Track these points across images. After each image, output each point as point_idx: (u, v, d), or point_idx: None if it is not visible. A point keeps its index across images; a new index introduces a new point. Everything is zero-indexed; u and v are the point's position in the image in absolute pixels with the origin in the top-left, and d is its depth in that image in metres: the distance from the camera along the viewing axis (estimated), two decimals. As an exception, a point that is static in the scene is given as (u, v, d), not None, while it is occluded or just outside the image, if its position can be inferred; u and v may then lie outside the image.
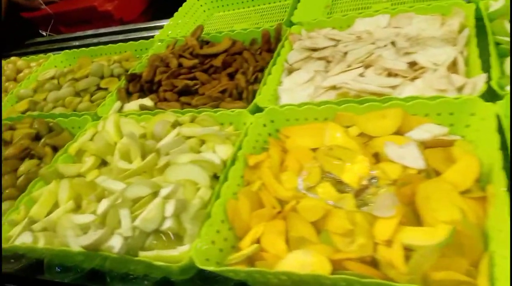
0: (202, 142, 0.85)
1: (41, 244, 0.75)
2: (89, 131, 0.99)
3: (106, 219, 0.71)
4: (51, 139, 1.03)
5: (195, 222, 0.66)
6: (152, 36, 1.39)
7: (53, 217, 0.79)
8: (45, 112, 1.17)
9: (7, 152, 0.98)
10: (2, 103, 1.30)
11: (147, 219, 0.67)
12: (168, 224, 0.66)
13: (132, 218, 0.69)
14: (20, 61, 1.52)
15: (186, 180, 0.73)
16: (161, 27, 1.45)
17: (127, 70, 1.28)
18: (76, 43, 1.85)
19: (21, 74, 1.46)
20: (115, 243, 0.66)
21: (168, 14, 1.81)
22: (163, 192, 0.71)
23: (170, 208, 0.66)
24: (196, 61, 1.10)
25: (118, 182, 0.76)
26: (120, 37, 1.74)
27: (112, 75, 1.27)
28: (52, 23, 2.77)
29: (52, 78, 1.40)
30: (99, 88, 1.24)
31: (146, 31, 1.74)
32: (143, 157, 0.83)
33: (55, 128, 1.08)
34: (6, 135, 1.06)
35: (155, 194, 0.72)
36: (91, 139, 0.97)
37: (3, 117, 1.25)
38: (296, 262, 0.59)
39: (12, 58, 1.56)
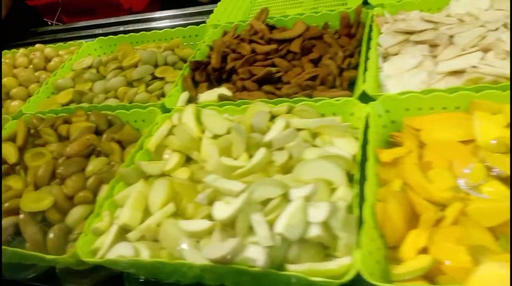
0: (314, 135, 0.74)
1: (144, 256, 0.63)
2: (165, 125, 0.87)
3: (229, 225, 0.60)
4: (117, 134, 0.90)
5: (349, 229, 0.55)
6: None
7: (151, 223, 0.67)
8: (98, 104, 1.04)
9: (69, 148, 0.85)
10: (36, 94, 1.16)
11: (292, 225, 0.56)
12: (315, 231, 0.56)
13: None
14: (48, 49, 1.37)
15: (319, 179, 0.62)
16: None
17: (182, 59, 1.15)
18: (99, 31, 1.70)
19: (51, 63, 1.31)
20: (256, 255, 0.55)
21: (177, 4, 1.70)
22: (296, 193, 0.60)
23: (318, 213, 0.56)
24: (273, 46, 0.99)
25: (235, 182, 0.64)
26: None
27: (166, 64, 1.14)
28: (59, 11, 2.60)
29: (90, 67, 1.27)
30: (154, 78, 1.11)
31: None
32: (248, 152, 0.73)
33: (115, 121, 0.95)
34: (61, 129, 0.92)
35: (284, 196, 0.61)
36: (169, 134, 0.85)
37: (37, 109, 1.11)
38: (493, 276, 0.49)
39: (38, 45, 1.41)
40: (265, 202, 0.61)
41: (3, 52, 1.48)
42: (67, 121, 0.94)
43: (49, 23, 2.41)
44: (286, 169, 0.67)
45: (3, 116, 1.10)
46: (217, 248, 0.57)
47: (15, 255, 0.72)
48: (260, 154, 0.68)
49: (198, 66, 1.05)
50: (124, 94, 1.07)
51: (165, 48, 1.19)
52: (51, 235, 0.72)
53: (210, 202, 0.65)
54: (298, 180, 0.62)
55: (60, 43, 1.42)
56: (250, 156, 0.72)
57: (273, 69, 0.93)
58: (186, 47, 1.23)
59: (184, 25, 1.29)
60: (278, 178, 0.65)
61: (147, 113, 0.96)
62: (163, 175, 0.78)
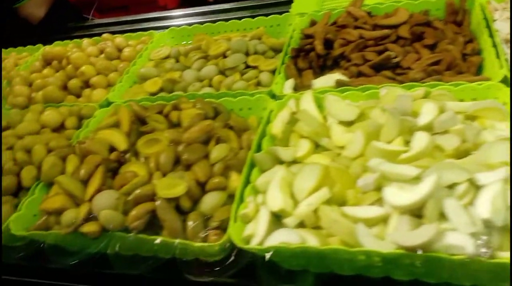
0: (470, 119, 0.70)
1: (312, 243, 0.58)
2: (284, 111, 0.82)
3: (409, 211, 0.56)
4: (231, 121, 0.85)
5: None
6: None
7: (307, 209, 0.62)
8: (196, 92, 0.99)
9: (188, 134, 0.80)
10: (120, 83, 1.11)
11: (497, 210, 0.51)
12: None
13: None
14: (118, 39, 1.32)
15: (504, 162, 0.58)
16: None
17: (272, 48, 1.11)
18: (148, 24, 1.63)
19: (125, 53, 1.26)
20: (461, 242, 0.50)
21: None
22: (485, 177, 0.56)
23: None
24: (385, 32, 0.95)
25: (406, 166, 0.60)
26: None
27: (255, 53, 1.10)
28: (95, 6, 2.57)
29: (167, 57, 1.23)
30: (247, 66, 1.07)
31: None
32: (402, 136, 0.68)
33: (221, 109, 0.91)
34: (173, 116, 0.87)
35: (470, 181, 0.57)
36: (290, 120, 0.80)
37: (124, 97, 1.06)
38: None
39: (105, 35, 1.36)
40: (449, 187, 0.57)
41: (64, 42, 1.44)
42: (176, 108, 0.90)
43: (90, 17, 2.37)
44: (459, 153, 0.62)
45: (88, 104, 1.06)
46: (411, 235, 0.52)
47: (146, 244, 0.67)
48: (425, 137, 0.64)
49: (298, 54, 1.01)
50: (219, 83, 1.03)
51: (251, 37, 1.15)
52: (190, 223, 0.67)
53: (378, 188, 0.61)
54: (484, 163, 0.58)
55: (130, 33, 1.37)
56: (405, 141, 0.67)
57: (392, 53, 0.89)
58: (270, 36, 1.19)
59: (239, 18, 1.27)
60: (455, 162, 0.60)
61: (255, 101, 0.92)
62: (294, 161, 0.74)
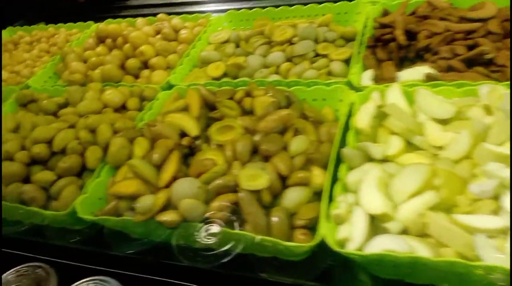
0: None
1: (423, 253, 0.52)
2: (369, 104, 0.76)
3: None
4: (308, 112, 0.80)
5: None
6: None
7: (412, 214, 0.56)
8: (263, 79, 0.94)
9: (264, 124, 0.75)
10: (180, 65, 1.06)
11: None
12: None
13: None
14: (175, 20, 1.27)
15: None
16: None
17: (343, 36, 1.05)
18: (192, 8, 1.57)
19: (182, 35, 1.21)
20: None
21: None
22: None
23: None
24: (476, 25, 0.88)
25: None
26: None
27: (325, 41, 1.04)
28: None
29: (226, 41, 1.17)
30: (317, 55, 1.01)
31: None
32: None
33: (293, 98, 0.85)
34: (246, 103, 0.82)
35: None
36: (378, 114, 0.74)
37: (185, 81, 1.02)
38: None
39: (161, 15, 1.31)
40: None
41: (117, 20, 1.40)
42: (249, 95, 0.85)
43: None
44: None
45: (150, 85, 1.01)
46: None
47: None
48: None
49: (376, 44, 0.94)
50: (287, 70, 0.97)
51: (319, 24, 1.09)
52: (275, 219, 0.62)
53: (498, 195, 0.55)
54: None
55: (186, 15, 1.32)
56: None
57: (485, 49, 0.82)
58: (338, 23, 1.13)
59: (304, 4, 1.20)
60: None
61: (331, 91, 0.86)
62: (385, 159, 0.68)
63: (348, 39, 1.05)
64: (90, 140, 0.84)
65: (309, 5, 1.19)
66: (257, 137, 0.74)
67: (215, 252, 0.67)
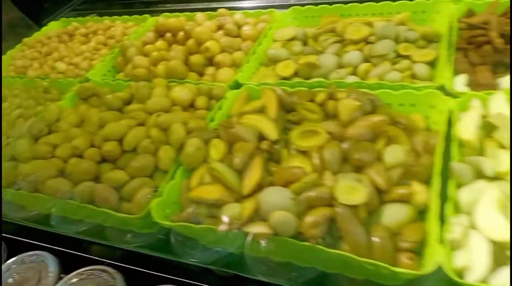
0: None
1: None
2: (472, 112, 0.69)
3: None
4: (401, 119, 0.73)
5: None
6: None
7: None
8: (341, 80, 0.88)
9: (353, 130, 0.69)
10: (247, 63, 1.01)
11: None
12: None
13: None
14: (238, 15, 1.22)
15: None
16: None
17: (424, 37, 0.97)
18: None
19: (246, 31, 1.16)
20: None
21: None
22: None
23: None
24: None
25: None
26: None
27: (405, 40, 0.97)
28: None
29: (292, 39, 1.11)
30: (398, 55, 0.94)
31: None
32: None
33: (377, 103, 0.79)
34: (330, 106, 0.76)
35: None
36: (483, 125, 0.67)
37: (252, 80, 0.96)
38: None
39: (222, 10, 1.27)
40: None
41: (174, 14, 1.37)
42: (332, 97, 0.79)
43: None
44: None
45: (218, 84, 0.97)
46: None
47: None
48: None
49: (467, 47, 0.86)
50: (366, 72, 0.91)
51: (397, 23, 1.01)
52: (377, 239, 0.56)
53: None
54: None
55: (247, 10, 1.27)
56: None
57: None
58: (414, 23, 1.05)
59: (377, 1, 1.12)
60: None
61: (422, 97, 0.79)
62: (495, 177, 0.61)
63: (429, 40, 0.97)
64: (162, 139, 0.80)
65: (383, 2, 1.12)
66: (346, 145, 0.68)
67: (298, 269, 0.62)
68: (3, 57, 1.41)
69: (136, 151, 0.79)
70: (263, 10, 1.26)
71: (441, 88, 0.78)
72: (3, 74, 1.32)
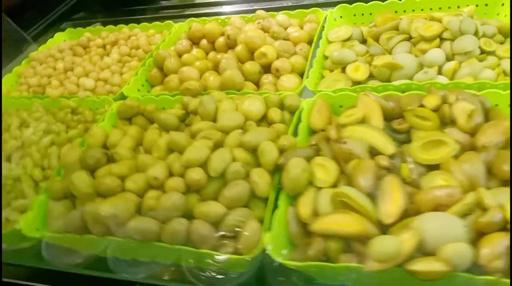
0: None
1: None
2: None
3: None
4: None
5: None
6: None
7: None
8: (436, 81, 0.80)
9: (487, 138, 0.60)
10: (311, 68, 0.92)
11: None
12: None
13: None
14: (281, 17, 1.12)
15: None
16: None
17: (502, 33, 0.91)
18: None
19: (294, 33, 1.06)
20: None
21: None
22: None
23: None
24: None
25: None
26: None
27: (484, 35, 0.90)
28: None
29: (348, 39, 1.03)
30: (482, 52, 0.86)
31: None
32: None
33: (486, 104, 0.71)
34: (445, 111, 0.68)
35: None
36: None
37: (321, 87, 0.87)
38: None
39: (260, 12, 1.16)
40: None
41: (201, 19, 1.26)
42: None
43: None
44: None
45: (288, 93, 0.86)
46: None
47: None
48: None
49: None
50: (453, 71, 0.83)
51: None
52: None
53: None
54: None
55: (288, 11, 1.18)
56: None
57: None
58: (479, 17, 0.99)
59: None
60: None
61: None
62: None
63: (504, 34, 0.91)
64: (250, 161, 0.69)
65: (441, -4, 1.05)
66: (483, 155, 0.59)
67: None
68: (9, 75, 1.26)
69: (224, 177, 0.67)
70: (305, 10, 1.17)
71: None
72: (13, 94, 1.17)
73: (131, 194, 0.67)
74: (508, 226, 0.50)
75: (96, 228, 0.64)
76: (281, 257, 0.57)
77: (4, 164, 0.91)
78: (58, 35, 1.44)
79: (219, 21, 1.21)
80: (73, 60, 1.21)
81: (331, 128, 0.70)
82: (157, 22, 1.33)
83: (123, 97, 1.01)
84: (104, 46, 1.28)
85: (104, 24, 1.52)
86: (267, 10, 1.19)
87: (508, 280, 0.47)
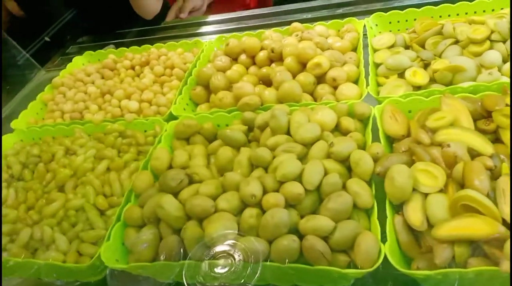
0: None
1: None
2: None
3: None
4: None
5: None
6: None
7: None
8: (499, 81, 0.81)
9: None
10: (368, 76, 0.92)
11: None
12: None
13: None
14: (319, 27, 1.13)
15: None
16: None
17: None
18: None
19: (337, 44, 1.06)
20: None
21: None
22: None
23: None
24: None
25: None
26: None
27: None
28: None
29: (392, 46, 1.04)
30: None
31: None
32: None
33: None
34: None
35: None
36: None
37: (378, 93, 0.87)
38: None
39: (296, 24, 1.16)
40: None
41: (232, 35, 1.25)
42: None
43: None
44: None
45: (354, 101, 0.86)
46: None
47: None
48: None
49: None
50: (514, 70, 0.85)
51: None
52: None
53: None
54: None
55: (322, 22, 1.18)
56: None
57: None
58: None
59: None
60: None
61: None
62: None
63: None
64: (343, 172, 0.68)
65: (476, 1, 1.07)
66: None
67: None
68: (34, 102, 1.21)
69: (320, 189, 0.66)
70: (340, 21, 1.18)
71: None
72: (47, 121, 1.12)
73: (227, 214, 0.64)
74: None
75: (199, 252, 0.61)
76: (403, 267, 0.56)
77: (58, 194, 0.86)
78: (77, 59, 1.40)
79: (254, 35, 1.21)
80: (105, 83, 1.18)
81: (421, 132, 0.69)
82: (185, 40, 1.31)
83: (172, 117, 0.99)
84: (132, 67, 1.26)
85: (117, 46, 1.50)
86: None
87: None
